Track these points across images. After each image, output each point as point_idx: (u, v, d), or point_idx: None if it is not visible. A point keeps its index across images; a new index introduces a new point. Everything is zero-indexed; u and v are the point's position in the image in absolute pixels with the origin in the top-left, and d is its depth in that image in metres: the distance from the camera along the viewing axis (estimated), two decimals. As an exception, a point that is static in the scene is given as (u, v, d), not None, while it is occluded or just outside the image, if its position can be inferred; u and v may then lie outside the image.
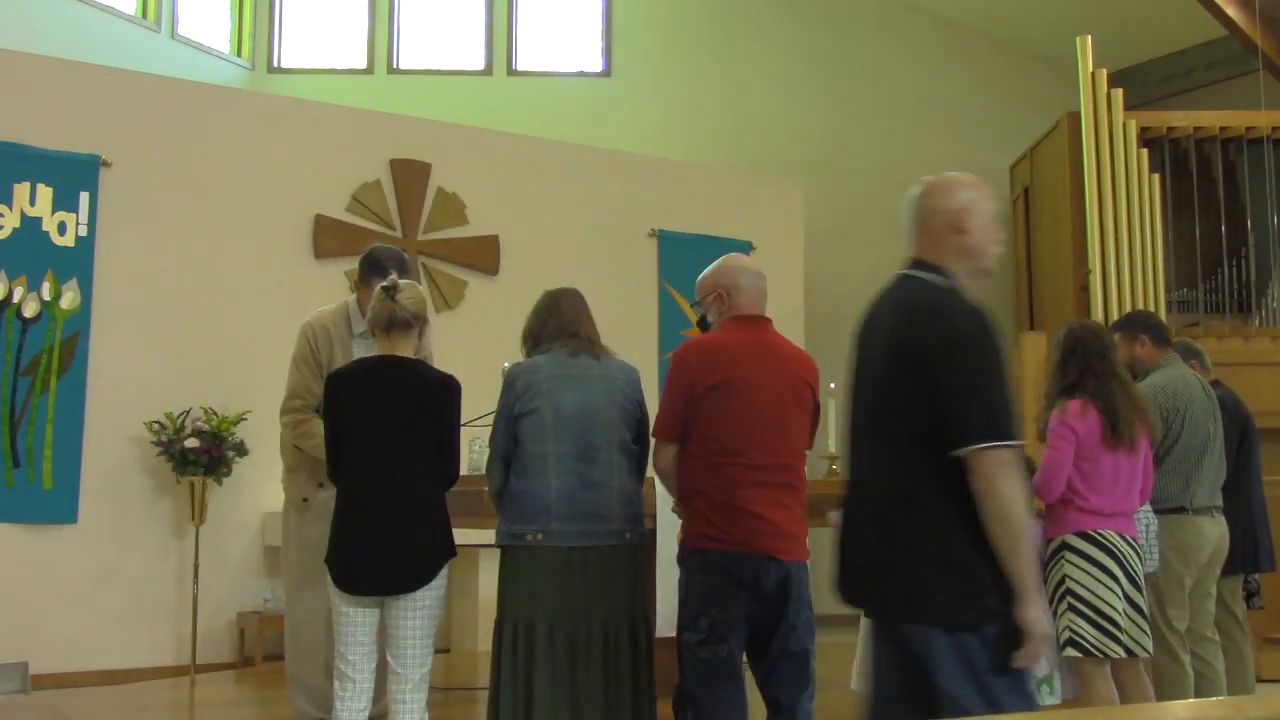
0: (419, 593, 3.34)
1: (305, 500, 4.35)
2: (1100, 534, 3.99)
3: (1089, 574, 3.96)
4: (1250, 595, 5.20)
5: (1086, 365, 4.06)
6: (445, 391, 3.46)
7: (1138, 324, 4.85)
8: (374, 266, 4.26)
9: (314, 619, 4.31)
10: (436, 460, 3.42)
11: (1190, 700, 4.21)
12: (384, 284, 3.50)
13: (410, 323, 3.46)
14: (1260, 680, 5.75)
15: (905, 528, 2.41)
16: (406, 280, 3.60)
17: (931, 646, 2.35)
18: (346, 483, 3.44)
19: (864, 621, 4.85)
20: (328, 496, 4.20)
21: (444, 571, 3.40)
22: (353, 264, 7.46)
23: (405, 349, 3.48)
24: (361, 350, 4.30)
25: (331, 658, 4.20)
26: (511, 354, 3.86)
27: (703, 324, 3.76)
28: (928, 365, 2.40)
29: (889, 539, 2.43)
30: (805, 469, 3.59)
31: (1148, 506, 4.37)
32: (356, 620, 3.38)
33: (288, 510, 4.47)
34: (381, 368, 3.45)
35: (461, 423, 3.54)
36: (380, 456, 3.39)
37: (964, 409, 2.37)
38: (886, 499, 2.45)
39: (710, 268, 3.70)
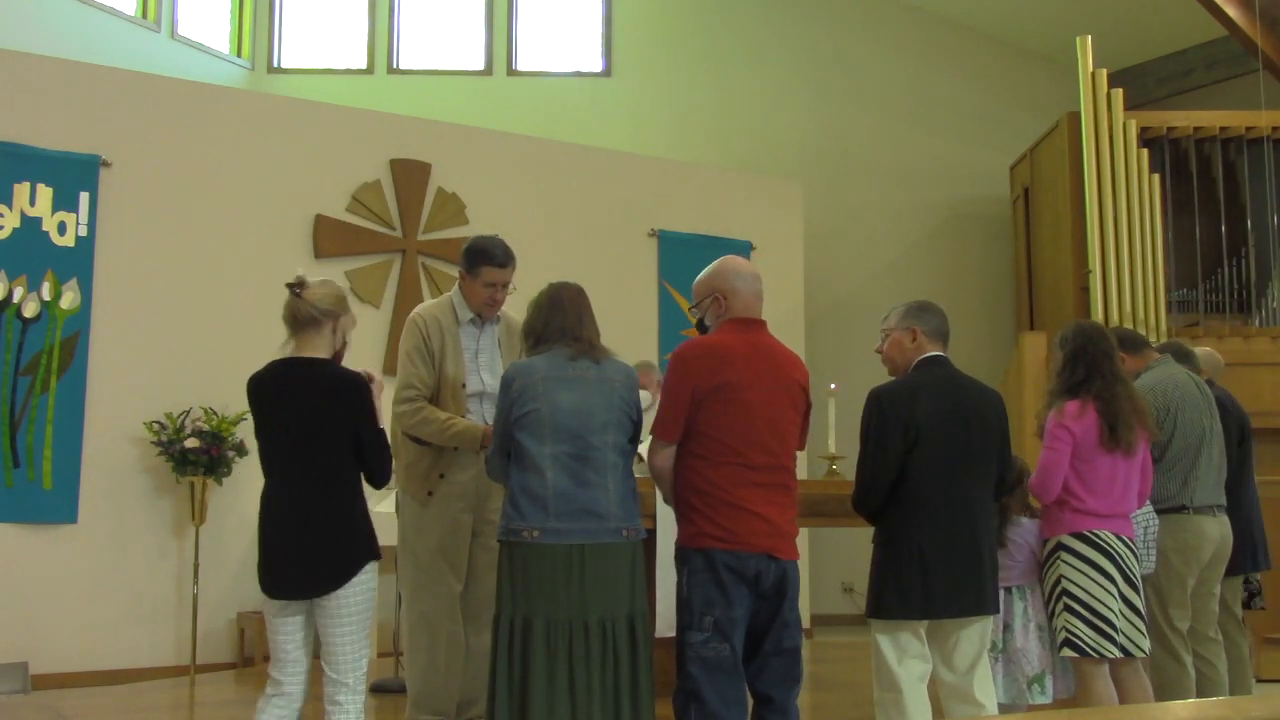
0: (343, 596, 3.30)
1: (430, 494, 4.24)
2: (1096, 534, 3.99)
3: (1084, 574, 3.97)
4: (1252, 595, 5.19)
5: (1094, 365, 4.06)
6: (350, 391, 3.39)
7: None
8: (478, 255, 4.24)
9: (443, 625, 4.21)
10: (350, 461, 3.37)
11: (1190, 700, 4.21)
12: (290, 282, 3.47)
13: (317, 319, 3.42)
14: (1260, 680, 5.75)
15: None
16: (320, 279, 3.55)
17: None
18: (265, 487, 3.43)
19: None
20: (449, 488, 4.22)
21: (368, 573, 3.36)
22: (353, 264, 7.52)
23: (317, 346, 3.44)
24: (469, 338, 4.32)
25: (468, 679, 4.18)
26: (512, 353, 3.86)
27: (700, 326, 3.78)
28: None
29: None
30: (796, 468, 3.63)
31: (1149, 509, 4.37)
32: (281, 628, 3.37)
33: (407, 506, 4.33)
34: (288, 370, 3.42)
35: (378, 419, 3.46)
36: (291, 460, 3.37)
37: None
38: None
39: (706, 270, 3.71)
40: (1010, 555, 4.11)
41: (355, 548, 3.35)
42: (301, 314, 3.41)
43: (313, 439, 3.34)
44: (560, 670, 3.38)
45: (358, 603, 3.34)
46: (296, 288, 3.43)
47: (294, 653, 3.37)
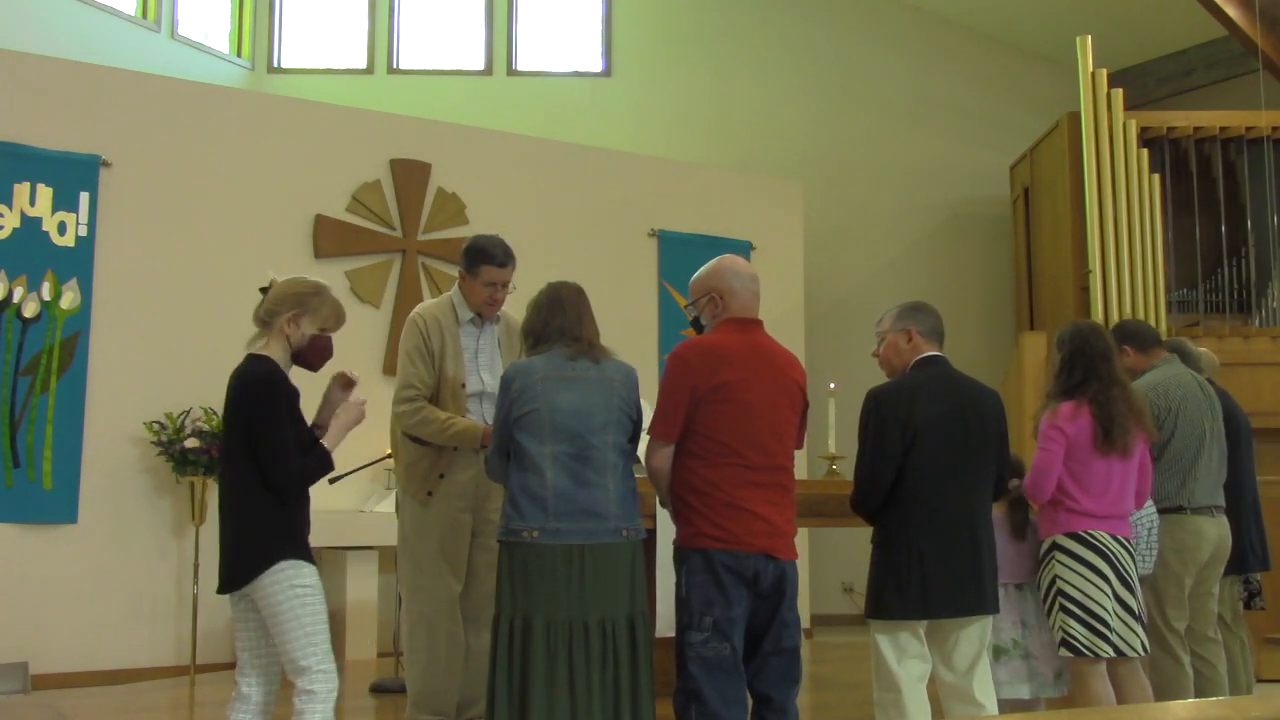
0: (264, 596, 3.24)
1: (429, 494, 4.24)
2: (1091, 534, 3.99)
3: (1079, 574, 3.97)
4: (1252, 596, 5.18)
5: (1091, 367, 4.05)
6: (249, 388, 3.35)
7: (1120, 336, 4.74)
8: (478, 255, 4.27)
9: (442, 626, 4.21)
10: (249, 460, 3.29)
11: (1190, 700, 4.21)
12: (262, 286, 3.48)
13: (263, 319, 3.44)
14: (1260, 680, 5.75)
15: None
16: (289, 277, 3.52)
17: None
18: None
19: None
20: (449, 488, 4.23)
21: (282, 571, 3.24)
22: (353, 264, 7.53)
23: (269, 345, 3.44)
24: (469, 337, 4.33)
25: (468, 679, 4.21)
26: (511, 354, 3.86)
27: (696, 325, 3.78)
28: None
29: None
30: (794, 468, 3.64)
31: (1151, 509, 4.37)
32: (236, 625, 3.39)
33: (406, 506, 4.33)
34: (238, 367, 3.47)
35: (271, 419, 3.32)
36: (219, 454, 3.43)
37: None
38: None
39: (703, 270, 3.72)
40: (1020, 551, 4.12)
41: (256, 545, 3.28)
42: (255, 316, 3.47)
43: (228, 432, 3.39)
44: (560, 670, 3.38)
45: (283, 600, 3.24)
46: (264, 290, 3.47)
47: (250, 653, 3.37)
